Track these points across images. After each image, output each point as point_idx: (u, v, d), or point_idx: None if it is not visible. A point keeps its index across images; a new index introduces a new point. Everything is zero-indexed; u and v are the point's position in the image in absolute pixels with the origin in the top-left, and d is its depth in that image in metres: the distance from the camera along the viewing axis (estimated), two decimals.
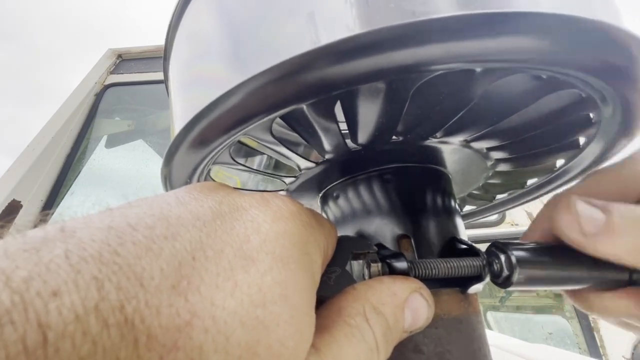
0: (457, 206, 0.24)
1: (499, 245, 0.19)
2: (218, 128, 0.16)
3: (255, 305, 0.10)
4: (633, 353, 1.00)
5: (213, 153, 0.18)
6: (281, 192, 0.28)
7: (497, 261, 0.18)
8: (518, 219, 1.35)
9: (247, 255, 0.11)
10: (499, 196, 0.32)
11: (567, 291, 0.21)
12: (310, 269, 0.13)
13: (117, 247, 0.09)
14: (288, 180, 0.26)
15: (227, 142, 0.17)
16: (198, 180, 0.23)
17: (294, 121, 0.19)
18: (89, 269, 0.09)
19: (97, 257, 0.09)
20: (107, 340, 0.08)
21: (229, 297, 0.10)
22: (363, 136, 0.20)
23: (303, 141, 0.21)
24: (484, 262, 0.18)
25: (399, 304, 0.15)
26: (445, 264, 0.18)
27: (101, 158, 1.29)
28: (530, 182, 0.29)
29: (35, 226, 0.10)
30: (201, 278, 0.10)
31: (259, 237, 0.12)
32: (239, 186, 0.31)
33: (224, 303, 0.10)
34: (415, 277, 0.18)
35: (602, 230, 0.16)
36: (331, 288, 0.16)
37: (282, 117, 0.18)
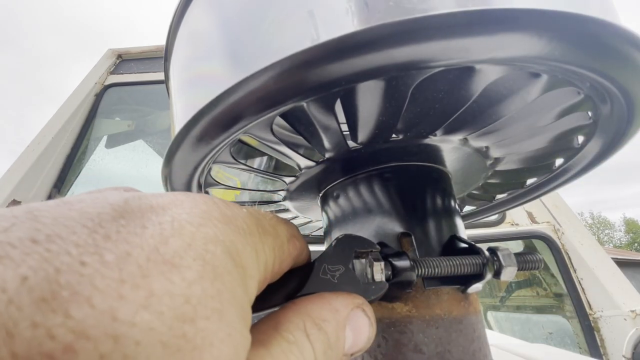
0: (456, 205, 0.24)
1: None
2: (219, 125, 0.16)
3: (182, 320, 0.09)
4: (633, 353, 1.00)
5: (214, 151, 0.18)
6: (280, 192, 0.28)
7: (497, 259, 0.18)
8: (518, 219, 1.35)
9: (166, 260, 0.09)
10: (498, 196, 0.32)
11: None
12: (244, 284, 0.11)
13: None
14: (288, 180, 0.26)
15: (228, 139, 0.17)
16: (199, 180, 0.23)
17: (294, 119, 0.19)
18: None
19: None
20: None
21: (142, 309, 0.08)
22: (363, 134, 0.20)
23: (303, 143, 0.21)
24: (485, 260, 0.19)
25: (341, 320, 0.14)
26: (447, 262, 0.18)
27: (101, 158, 1.29)
28: (529, 181, 0.29)
29: None
30: (94, 286, 0.08)
31: (181, 240, 0.10)
32: (239, 187, 0.31)
33: (133, 318, 0.08)
34: (417, 275, 0.18)
35: None
36: (334, 286, 0.16)
37: (282, 116, 0.18)
